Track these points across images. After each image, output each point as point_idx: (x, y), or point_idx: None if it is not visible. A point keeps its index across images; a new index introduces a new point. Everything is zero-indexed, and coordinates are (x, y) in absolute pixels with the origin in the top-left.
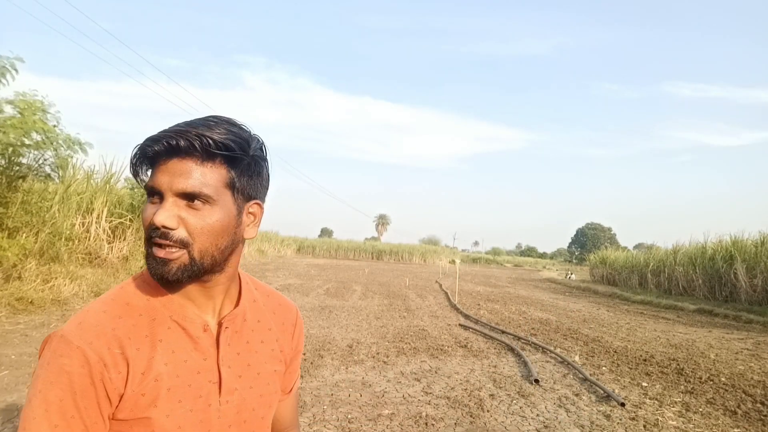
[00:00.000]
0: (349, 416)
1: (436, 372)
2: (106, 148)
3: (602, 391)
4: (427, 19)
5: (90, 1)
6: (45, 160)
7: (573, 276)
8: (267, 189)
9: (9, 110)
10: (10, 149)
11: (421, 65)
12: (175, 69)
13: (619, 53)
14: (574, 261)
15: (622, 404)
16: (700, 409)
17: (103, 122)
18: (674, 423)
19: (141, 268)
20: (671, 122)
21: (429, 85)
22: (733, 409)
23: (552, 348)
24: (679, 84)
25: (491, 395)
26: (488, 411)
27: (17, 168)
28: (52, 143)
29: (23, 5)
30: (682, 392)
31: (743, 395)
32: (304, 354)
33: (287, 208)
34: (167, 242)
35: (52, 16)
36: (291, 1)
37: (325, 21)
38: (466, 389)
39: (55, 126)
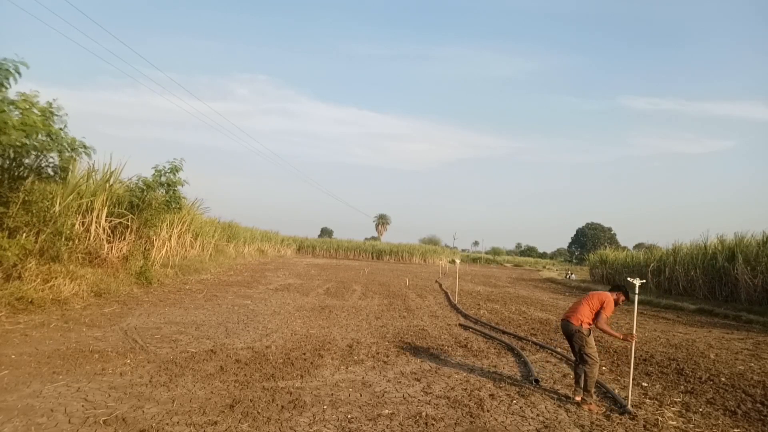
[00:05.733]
0: (349, 416)
1: (436, 372)
2: (105, 150)
3: (603, 390)
4: (409, 48)
5: (87, 18)
6: (48, 161)
7: (573, 276)
8: None
9: (12, 111)
10: (12, 150)
11: (411, 86)
12: (169, 82)
13: (575, 73)
14: (574, 261)
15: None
16: (700, 409)
17: (102, 129)
18: (674, 423)
19: (141, 267)
20: (636, 131)
21: (419, 99)
22: (733, 409)
23: (552, 348)
24: (634, 98)
25: (491, 395)
26: (488, 411)
27: (20, 168)
28: (56, 145)
29: (24, 5)
30: (682, 392)
31: (743, 395)
32: (305, 354)
33: (287, 208)
34: None
35: (51, 20)
36: (290, 26)
37: (323, 49)
38: (466, 389)
39: (61, 129)
